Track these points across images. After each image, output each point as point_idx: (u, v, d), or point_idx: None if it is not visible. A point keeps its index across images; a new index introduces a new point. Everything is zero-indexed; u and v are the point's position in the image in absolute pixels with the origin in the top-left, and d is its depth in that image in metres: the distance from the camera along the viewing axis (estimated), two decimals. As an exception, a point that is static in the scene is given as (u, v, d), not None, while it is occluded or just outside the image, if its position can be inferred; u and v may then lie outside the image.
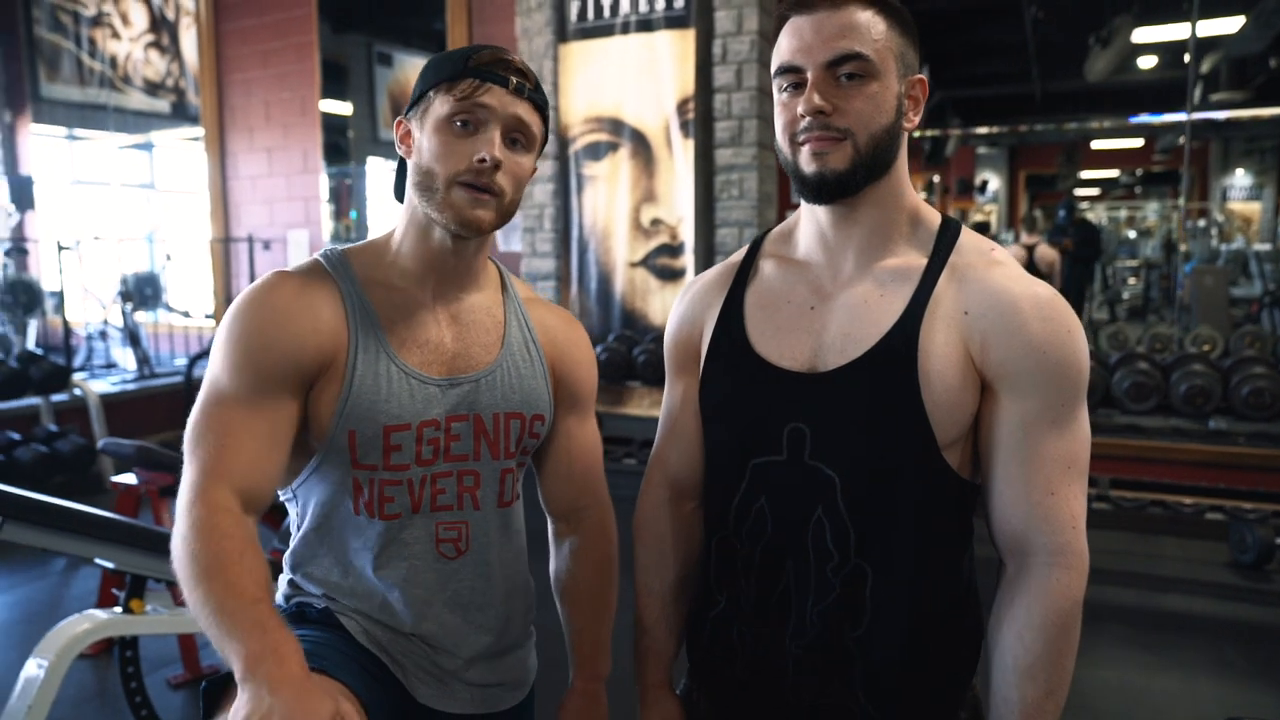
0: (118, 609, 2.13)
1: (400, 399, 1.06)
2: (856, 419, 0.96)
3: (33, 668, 1.90)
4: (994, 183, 15.82)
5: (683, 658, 1.19)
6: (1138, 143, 14.41)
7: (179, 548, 0.93)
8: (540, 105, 1.08)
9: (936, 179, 14.09)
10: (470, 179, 1.02)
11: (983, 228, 10.41)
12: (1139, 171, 16.10)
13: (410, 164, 1.08)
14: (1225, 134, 12.43)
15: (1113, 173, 16.26)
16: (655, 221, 4.57)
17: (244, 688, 0.84)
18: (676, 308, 1.17)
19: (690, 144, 4.40)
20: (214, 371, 1.03)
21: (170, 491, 2.81)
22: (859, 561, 0.97)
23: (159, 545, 2.13)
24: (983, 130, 12.67)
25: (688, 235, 4.47)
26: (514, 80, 1.04)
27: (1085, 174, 15.91)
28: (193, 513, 0.94)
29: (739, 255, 1.14)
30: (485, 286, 1.17)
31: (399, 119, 1.10)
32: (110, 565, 2.10)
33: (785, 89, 0.97)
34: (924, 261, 0.98)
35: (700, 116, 4.38)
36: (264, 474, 1.00)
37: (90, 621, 2.04)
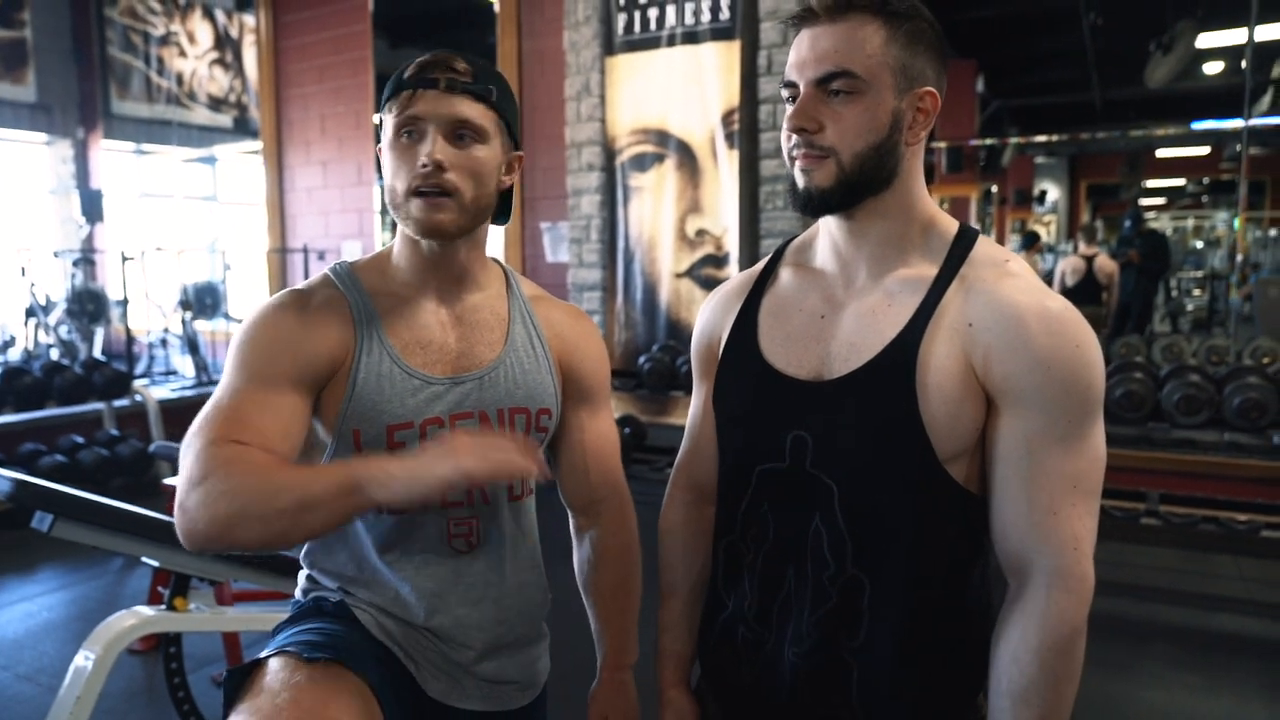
0: (161, 606, 2.20)
1: (402, 399, 1.09)
2: (854, 428, 0.96)
3: (81, 660, 1.98)
4: (1053, 193, 15.47)
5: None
6: (1204, 150, 13.97)
7: (201, 492, 0.91)
8: (482, 95, 1.08)
9: (994, 189, 13.85)
10: (420, 184, 1.06)
11: (1033, 237, 10.18)
12: (1205, 180, 15.61)
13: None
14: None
15: (1178, 181, 15.80)
16: (700, 232, 4.58)
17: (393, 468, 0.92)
18: (700, 315, 1.19)
19: (735, 155, 4.40)
20: (225, 375, 1.06)
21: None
22: (856, 572, 0.96)
23: (202, 545, 2.20)
24: (1040, 139, 12.42)
25: (733, 246, 4.47)
26: (444, 80, 1.06)
27: (1149, 183, 15.47)
28: (204, 456, 0.94)
29: (760, 264, 1.15)
30: (487, 286, 1.20)
31: (378, 145, 1.14)
32: (155, 563, 2.18)
33: (786, 101, 0.99)
34: (934, 272, 0.97)
35: (745, 128, 4.38)
36: (276, 448, 1.00)
37: (135, 618, 2.11)
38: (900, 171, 0.97)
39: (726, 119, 4.42)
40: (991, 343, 0.91)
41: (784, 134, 0.98)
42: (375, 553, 1.13)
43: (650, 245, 4.71)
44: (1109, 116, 12.40)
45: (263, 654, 1.02)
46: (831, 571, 0.97)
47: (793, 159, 0.98)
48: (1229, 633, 3.00)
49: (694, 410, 1.19)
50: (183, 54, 7.43)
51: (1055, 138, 12.31)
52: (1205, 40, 7.32)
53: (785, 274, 1.10)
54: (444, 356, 1.13)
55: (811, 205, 0.98)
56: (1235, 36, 7.28)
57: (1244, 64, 4.82)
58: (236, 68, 7.21)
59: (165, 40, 7.43)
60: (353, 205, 6.22)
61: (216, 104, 7.32)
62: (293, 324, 1.07)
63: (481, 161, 1.09)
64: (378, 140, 1.12)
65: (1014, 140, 11.68)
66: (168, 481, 2.96)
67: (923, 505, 0.95)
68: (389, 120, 1.07)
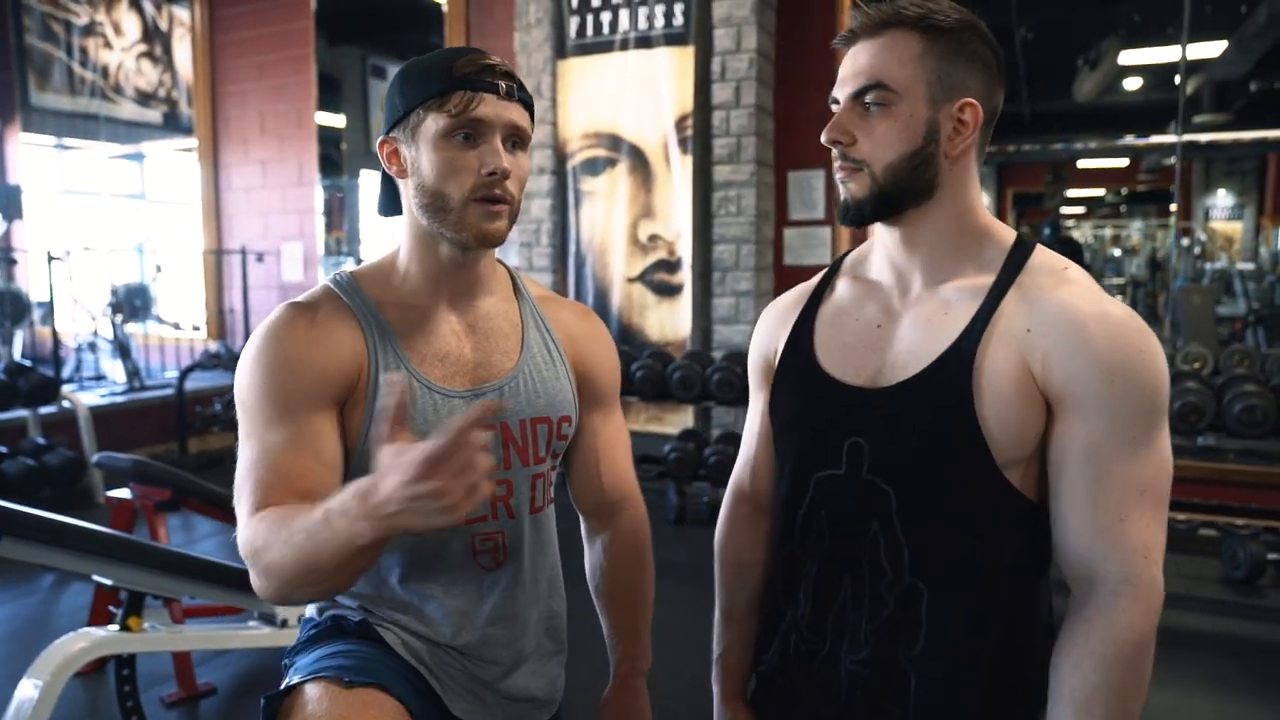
0: (113, 626, 2.10)
1: (425, 415, 1.05)
2: (911, 434, 0.97)
3: (27, 688, 1.87)
4: (983, 200, 15.93)
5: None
6: (1123, 162, 14.56)
7: (250, 564, 0.93)
8: (529, 104, 1.08)
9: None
10: (484, 193, 1.03)
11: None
12: (1124, 191, 16.25)
13: (409, 184, 1.07)
14: (1208, 155, 12.59)
15: (1098, 191, 16.41)
16: (653, 237, 4.58)
17: (379, 506, 0.81)
18: (758, 327, 1.20)
19: (688, 160, 4.41)
20: (247, 418, 1.02)
21: (166, 506, 2.77)
22: (914, 579, 0.96)
23: (158, 562, 2.11)
24: (971, 148, 12.76)
25: (685, 251, 4.48)
26: (504, 85, 1.04)
27: (1072, 192, 16.05)
28: (247, 531, 0.94)
29: (818, 276, 1.16)
30: (497, 290, 1.17)
31: (381, 139, 1.08)
32: (108, 582, 2.08)
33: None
34: (991, 280, 0.98)
35: (699, 133, 4.40)
36: (321, 485, 0.98)
37: (86, 640, 2.01)
38: (942, 182, 0.99)
39: (680, 124, 4.43)
40: (1050, 347, 0.92)
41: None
42: (398, 571, 1.10)
43: (602, 250, 4.70)
44: (1037, 128, 12.82)
45: (294, 679, 0.99)
46: (889, 579, 0.97)
47: (835, 171, 1.01)
48: (1171, 628, 3.12)
49: (750, 422, 1.20)
50: (108, 45, 7.13)
51: (986, 148, 12.67)
52: (1128, 57, 7.64)
53: (842, 285, 1.11)
54: (462, 368, 1.10)
55: (850, 216, 1.00)
56: (1155, 55, 7.61)
57: (1177, 79, 5.03)
58: (166, 61, 6.94)
59: (89, 30, 7.13)
60: (294, 206, 6.06)
61: (145, 98, 7.04)
62: (302, 344, 1.03)
63: (526, 170, 1.08)
64: (393, 132, 1.06)
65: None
66: (112, 495, 2.83)
67: (981, 512, 0.95)
68: (438, 119, 1.02)
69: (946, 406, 0.94)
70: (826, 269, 1.16)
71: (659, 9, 4.43)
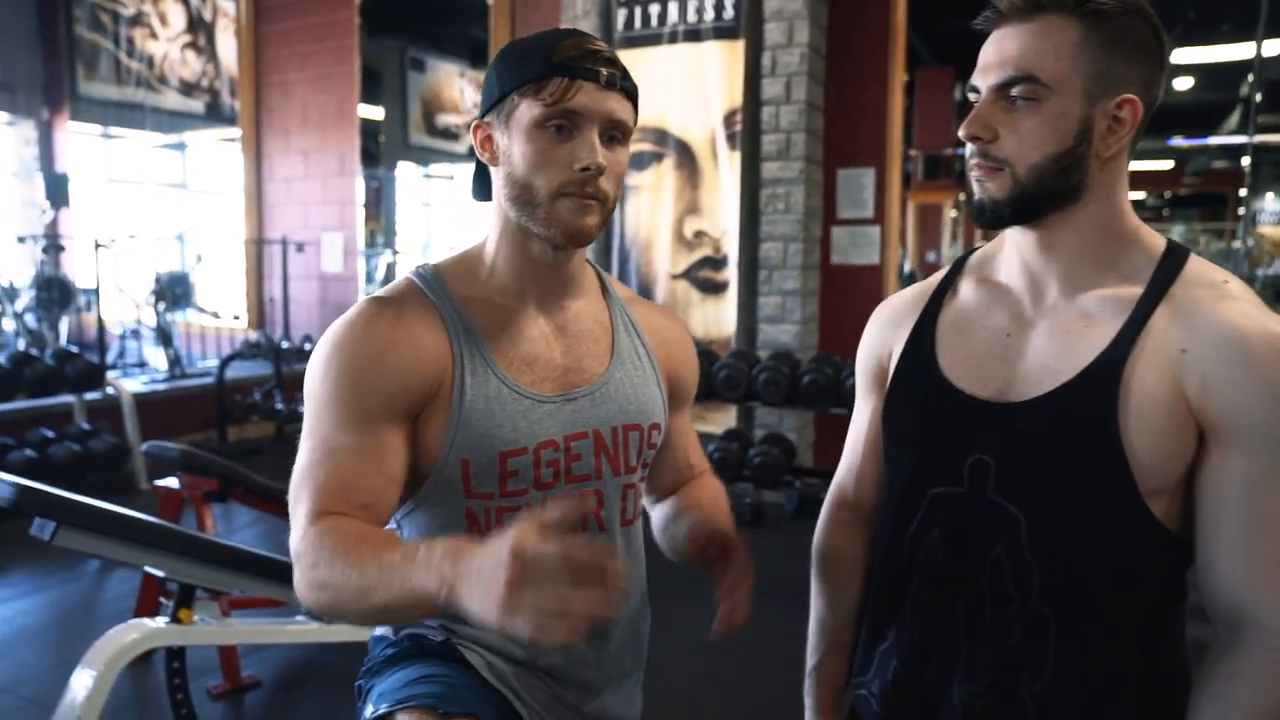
0: (164, 618, 2.08)
1: (514, 421, 0.99)
2: (1047, 455, 0.89)
3: (83, 678, 1.85)
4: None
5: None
6: (1168, 165, 14.27)
7: (301, 576, 0.88)
8: (631, 93, 1.01)
9: (964, 197, 14.01)
10: (575, 189, 0.96)
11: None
12: (1167, 194, 15.95)
13: (499, 173, 1.01)
14: (1257, 158, 12.32)
15: (1139, 195, 16.10)
16: (699, 234, 4.51)
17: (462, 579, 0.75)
18: (869, 328, 1.12)
19: (736, 156, 4.34)
20: (313, 417, 0.96)
21: (213, 497, 2.76)
22: (1042, 609, 0.90)
23: (211, 555, 2.08)
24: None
25: (731, 249, 4.41)
26: (604, 73, 0.96)
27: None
28: (304, 539, 0.89)
29: (938, 276, 1.08)
30: (587, 291, 1.11)
31: (476, 122, 1.02)
32: (160, 574, 2.06)
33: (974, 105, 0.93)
34: (1139, 291, 0.90)
35: (747, 129, 4.32)
36: (381, 501, 0.94)
37: (139, 631, 1.99)
38: (1090, 184, 0.90)
39: (728, 119, 4.36)
40: (1210, 371, 0.84)
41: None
42: None
43: (647, 245, 4.64)
44: (1080, 128, 12.59)
45: (383, 709, 0.93)
46: (1016, 608, 0.91)
47: (969, 168, 0.92)
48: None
49: (856, 428, 1.13)
50: (154, 36, 7.19)
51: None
52: (1179, 56, 7.45)
53: (966, 288, 1.03)
54: (551, 372, 1.04)
55: (985, 218, 0.92)
56: (1207, 54, 7.42)
57: (1250, 77, 4.89)
58: (209, 52, 6.98)
59: (136, 21, 7.19)
60: (334, 197, 6.06)
61: (188, 89, 7.09)
62: (383, 345, 0.96)
63: (624, 165, 1.01)
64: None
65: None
66: (160, 484, 2.82)
67: (1120, 542, 0.88)
68: (531, 105, 0.95)
69: (1087, 427, 0.87)
70: (948, 268, 1.08)
71: (709, 2, 4.36)
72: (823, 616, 1.13)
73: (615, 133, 0.99)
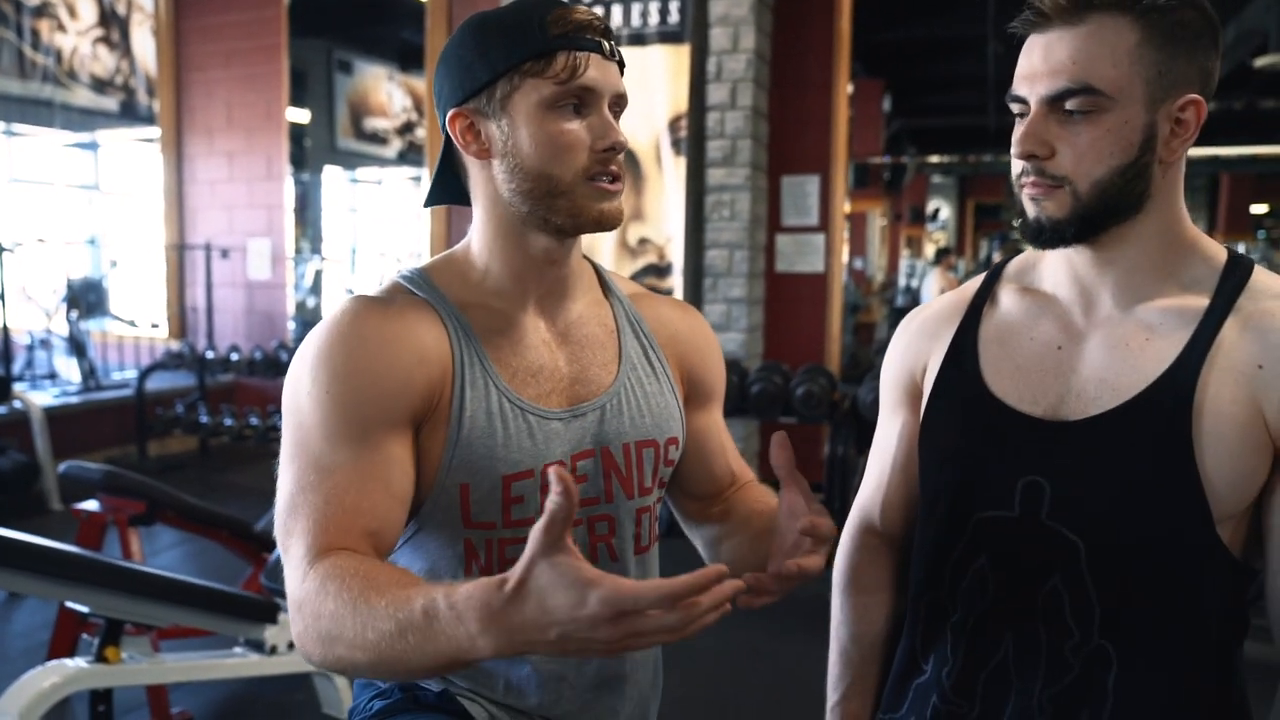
0: (84, 659, 1.90)
1: (520, 441, 0.89)
2: (1110, 478, 0.83)
3: (-4, 727, 1.68)
4: (944, 211, 16.10)
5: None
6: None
7: (304, 629, 0.75)
8: (624, 63, 0.93)
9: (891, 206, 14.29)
10: (599, 170, 0.87)
11: (944, 252, 10.56)
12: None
13: (498, 166, 0.89)
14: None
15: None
16: (643, 241, 4.45)
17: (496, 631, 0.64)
18: (897, 339, 1.04)
19: (681, 162, 4.29)
20: (299, 434, 0.83)
21: (140, 520, 2.57)
22: (1103, 643, 0.84)
23: (142, 587, 1.92)
24: (935, 159, 12.87)
25: (676, 255, 4.36)
26: (607, 45, 0.88)
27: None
28: (303, 585, 0.76)
29: (973, 284, 1.01)
30: (588, 290, 1.01)
31: (455, 110, 0.89)
32: (85, 609, 1.89)
33: (1016, 116, 0.86)
34: (1204, 303, 0.84)
35: (693, 135, 4.27)
36: (388, 526, 0.83)
37: (59, 674, 1.82)
38: (1153, 193, 0.85)
39: (673, 125, 4.30)
40: None
41: (1012, 157, 0.86)
42: None
43: (589, 252, 4.51)
44: (1000, 140, 12.97)
45: None
46: (1075, 641, 0.85)
47: (1020, 185, 0.85)
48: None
49: (883, 446, 1.04)
50: (61, 28, 6.79)
51: (947, 159, 12.77)
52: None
53: (1007, 297, 0.96)
54: (557, 385, 0.94)
55: (1043, 238, 0.85)
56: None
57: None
58: (124, 48, 6.63)
59: (41, 11, 6.78)
60: (262, 201, 5.82)
61: (101, 85, 6.72)
62: (380, 341, 0.85)
63: (625, 144, 0.91)
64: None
65: (927, 159, 12.06)
66: (80, 506, 2.61)
67: (1189, 571, 0.83)
68: (539, 86, 0.85)
69: (1158, 449, 0.81)
70: (985, 276, 1.01)
71: (654, 6, 4.30)
72: (846, 649, 1.06)
73: (618, 107, 0.91)
